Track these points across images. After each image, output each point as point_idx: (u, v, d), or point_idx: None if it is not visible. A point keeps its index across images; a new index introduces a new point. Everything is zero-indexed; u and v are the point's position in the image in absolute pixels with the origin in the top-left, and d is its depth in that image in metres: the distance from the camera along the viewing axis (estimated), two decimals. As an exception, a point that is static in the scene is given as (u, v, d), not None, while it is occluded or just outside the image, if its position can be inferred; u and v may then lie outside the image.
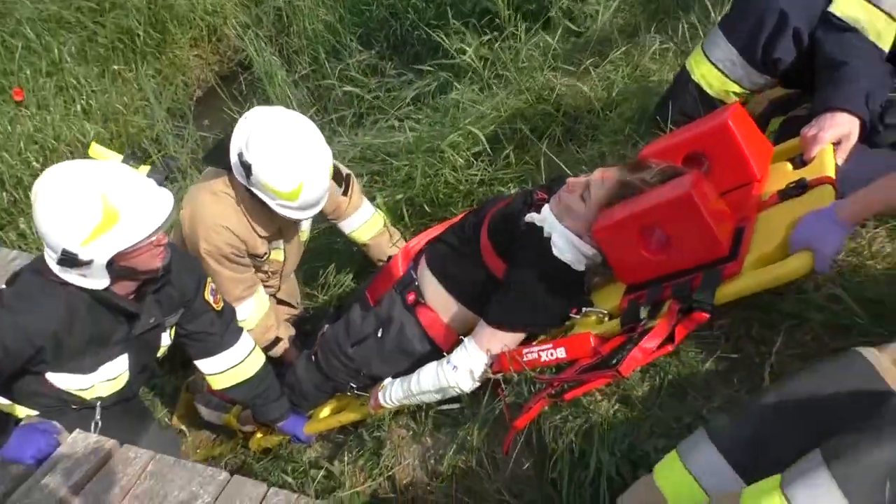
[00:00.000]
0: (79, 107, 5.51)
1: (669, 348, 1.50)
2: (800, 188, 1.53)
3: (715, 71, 1.95)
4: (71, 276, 1.77)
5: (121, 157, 1.84)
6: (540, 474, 1.58)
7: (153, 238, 1.78)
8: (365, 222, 2.63)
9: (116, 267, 1.77)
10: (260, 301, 2.52)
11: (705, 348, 1.57)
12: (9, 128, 5.08)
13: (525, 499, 1.61)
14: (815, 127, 1.63)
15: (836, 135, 1.60)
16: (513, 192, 2.45)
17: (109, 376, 2.02)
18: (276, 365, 2.49)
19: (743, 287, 1.42)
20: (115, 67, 5.92)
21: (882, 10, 1.69)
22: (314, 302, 3.00)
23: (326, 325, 2.26)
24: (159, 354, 2.20)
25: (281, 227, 2.41)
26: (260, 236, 2.36)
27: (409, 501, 1.85)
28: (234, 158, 2.15)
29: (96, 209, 1.67)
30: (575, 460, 1.50)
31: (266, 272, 2.56)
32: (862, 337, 1.40)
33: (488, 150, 2.77)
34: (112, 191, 1.70)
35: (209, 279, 2.20)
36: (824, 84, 1.69)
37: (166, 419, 2.90)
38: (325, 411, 2.35)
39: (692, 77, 2.01)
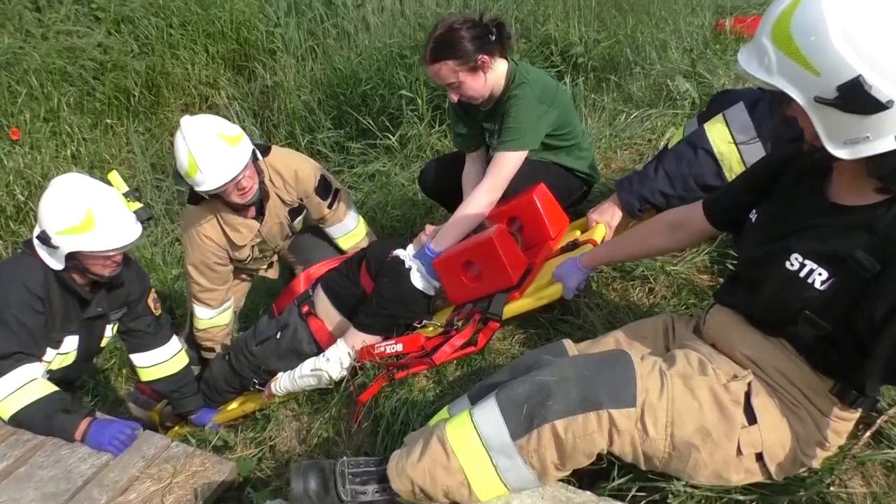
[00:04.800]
0: (69, 151, 6.04)
1: (474, 349, 2.10)
2: (573, 245, 2.19)
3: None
4: (40, 250, 2.30)
5: (126, 189, 2.41)
6: (374, 431, 2.13)
7: (111, 254, 2.31)
8: (346, 234, 3.12)
9: (74, 260, 2.30)
10: (221, 314, 3.03)
11: (504, 352, 2.17)
12: (4, 161, 5.64)
13: (361, 451, 2.15)
14: (596, 212, 2.32)
15: (601, 219, 2.28)
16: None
17: (63, 350, 2.52)
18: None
19: (520, 305, 2.06)
20: (108, 121, 6.52)
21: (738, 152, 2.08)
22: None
23: (241, 332, 2.81)
24: (103, 344, 2.69)
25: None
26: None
27: (284, 464, 2.35)
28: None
29: (79, 214, 2.22)
30: (394, 418, 2.06)
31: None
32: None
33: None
34: (98, 206, 2.25)
35: (153, 289, 2.74)
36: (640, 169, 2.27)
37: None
38: (233, 405, 2.85)
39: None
